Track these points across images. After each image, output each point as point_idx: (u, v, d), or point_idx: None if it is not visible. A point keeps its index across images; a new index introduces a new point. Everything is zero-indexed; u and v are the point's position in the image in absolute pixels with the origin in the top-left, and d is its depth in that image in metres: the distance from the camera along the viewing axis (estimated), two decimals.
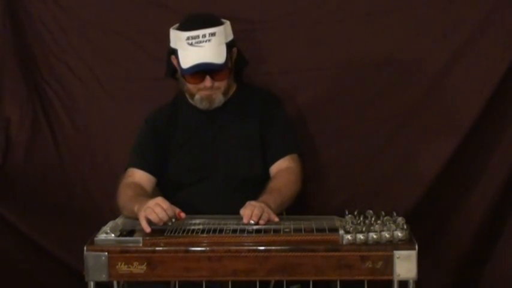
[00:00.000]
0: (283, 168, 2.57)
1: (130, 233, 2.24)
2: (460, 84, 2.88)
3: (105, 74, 2.99)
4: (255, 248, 2.13)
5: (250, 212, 2.26)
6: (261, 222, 2.25)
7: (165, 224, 2.25)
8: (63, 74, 3.00)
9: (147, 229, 2.22)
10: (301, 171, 2.59)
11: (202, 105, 2.59)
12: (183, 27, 2.55)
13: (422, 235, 2.42)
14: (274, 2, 2.93)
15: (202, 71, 2.52)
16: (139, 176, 2.59)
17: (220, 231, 2.22)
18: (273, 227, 2.24)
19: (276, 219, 2.29)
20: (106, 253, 2.13)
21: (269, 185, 2.51)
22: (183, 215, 2.28)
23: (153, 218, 2.23)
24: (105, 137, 3.00)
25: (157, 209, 2.24)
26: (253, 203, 2.31)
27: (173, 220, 2.26)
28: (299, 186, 2.56)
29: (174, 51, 2.57)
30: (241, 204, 2.34)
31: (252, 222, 2.25)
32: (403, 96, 2.91)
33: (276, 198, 2.42)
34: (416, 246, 2.11)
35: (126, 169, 2.63)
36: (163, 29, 2.67)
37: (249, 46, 2.80)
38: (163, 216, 2.23)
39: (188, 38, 2.51)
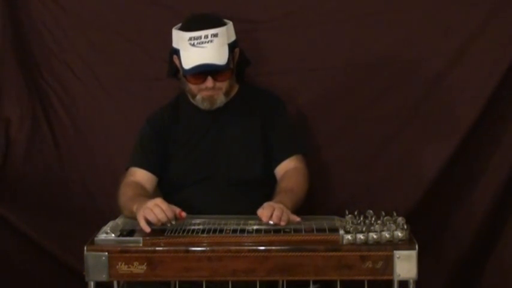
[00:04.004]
0: (292, 169, 2.57)
1: (130, 233, 2.24)
2: (460, 84, 2.88)
3: (105, 74, 2.99)
4: (255, 248, 2.13)
5: (270, 213, 2.23)
6: (282, 223, 2.22)
7: (163, 225, 2.24)
8: (63, 74, 3.00)
9: (147, 229, 2.21)
10: (308, 171, 2.59)
11: (204, 106, 2.59)
12: (185, 28, 2.54)
13: (422, 235, 2.42)
14: (276, 2, 2.92)
15: (204, 71, 2.51)
16: (140, 175, 2.59)
17: (221, 231, 2.21)
18: (273, 227, 2.24)
19: (297, 219, 2.26)
20: (106, 253, 2.13)
21: (281, 185, 2.50)
22: (183, 214, 2.27)
23: (151, 218, 2.22)
24: (105, 137, 3.00)
25: (156, 209, 2.23)
26: (271, 203, 2.29)
27: (173, 222, 2.25)
28: (308, 186, 2.55)
29: (176, 51, 2.57)
30: (242, 204, 2.34)
31: (271, 223, 2.23)
32: (403, 96, 2.91)
33: (292, 198, 2.40)
34: (417, 246, 2.11)
35: (127, 168, 2.63)
36: (164, 29, 2.67)
37: (250, 46, 2.80)
38: (162, 217, 2.23)
39: (190, 39, 2.50)
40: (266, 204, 2.29)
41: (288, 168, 2.57)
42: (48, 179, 3.01)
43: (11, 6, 2.95)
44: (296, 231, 2.20)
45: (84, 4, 2.97)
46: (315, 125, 2.93)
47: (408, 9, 2.88)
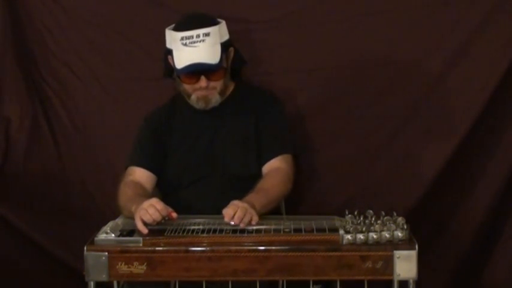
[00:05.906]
0: (274, 169, 2.55)
1: (130, 233, 2.24)
2: (460, 85, 2.88)
3: (105, 74, 2.99)
4: (255, 248, 2.13)
5: (233, 212, 2.24)
6: (242, 225, 2.23)
7: (158, 223, 2.25)
8: (63, 74, 3.00)
9: (144, 231, 2.22)
10: (292, 172, 2.57)
11: (199, 105, 2.59)
12: (177, 28, 2.54)
13: (422, 235, 2.42)
14: (274, 2, 2.92)
15: (196, 71, 2.51)
16: (139, 174, 2.59)
17: (220, 231, 2.21)
18: (273, 227, 2.24)
19: (255, 221, 2.26)
20: (106, 253, 2.13)
21: (257, 184, 2.49)
22: (174, 214, 2.28)
23: (146, 219, 2.23)
24: (105, 137, 3.00)
25: (151, 210, 2.24)
26: (236, 203, 2.29)
27: (166, 219, 2.26)
28: (288, 187, 2.54)
29: (169, 52, 2.57)
30: None
31: (232, 223, 2.23)
32: (403, 96, 2.91)
33: (262, 199, 2.39)
34: (417, 246, 2.11)
35: (126, 167, 2.63)
36: (163, 29, 2.66)
37: (248, 46, 2.80)
38: (156, 217, 2.23)
39: (182, 38, 2.50)
40: (231, 204, 2.29)
41: (271, 168, 2.56)
42: (48, 179, 3.01)
43: (11, 6, 2.95)
44: (296, 231, 2.20)
45: (84, 4, 2.97)
46: (315, 125, 2.93)
47: (408, 9, 2.88)
